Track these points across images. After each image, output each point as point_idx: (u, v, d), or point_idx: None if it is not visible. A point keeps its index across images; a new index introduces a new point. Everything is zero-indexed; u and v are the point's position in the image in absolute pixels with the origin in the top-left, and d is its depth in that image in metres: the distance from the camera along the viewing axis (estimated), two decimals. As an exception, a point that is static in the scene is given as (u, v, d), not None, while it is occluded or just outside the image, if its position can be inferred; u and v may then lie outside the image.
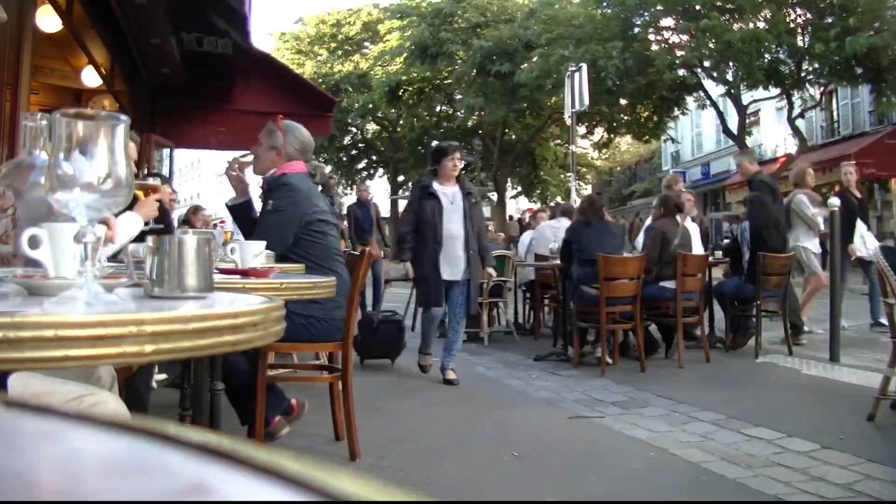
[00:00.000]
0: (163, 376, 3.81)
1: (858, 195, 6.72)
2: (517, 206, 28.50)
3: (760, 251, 5.29)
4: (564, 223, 6.50)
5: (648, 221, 6.11)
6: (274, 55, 12.94)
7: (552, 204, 10.57)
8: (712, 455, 2.91)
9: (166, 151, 8.52)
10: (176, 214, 6.37)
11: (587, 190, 30.11)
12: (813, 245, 6.19)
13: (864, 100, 17.90)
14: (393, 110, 23.49)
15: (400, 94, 21.85)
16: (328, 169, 28.80)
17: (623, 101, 17.75)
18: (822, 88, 16.45)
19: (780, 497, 2.44)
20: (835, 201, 5.50)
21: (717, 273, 6.55)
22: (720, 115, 17.71)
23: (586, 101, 10.95)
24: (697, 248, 5.49)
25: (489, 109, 19.50)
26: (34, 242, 1.00)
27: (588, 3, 17.10)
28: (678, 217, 5.41)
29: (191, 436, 0.28)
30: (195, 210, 7.44)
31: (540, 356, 5.27)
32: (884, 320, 5.28)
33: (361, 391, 3.15)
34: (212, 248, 1.14)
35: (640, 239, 6.02)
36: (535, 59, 16.90)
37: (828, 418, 3.53)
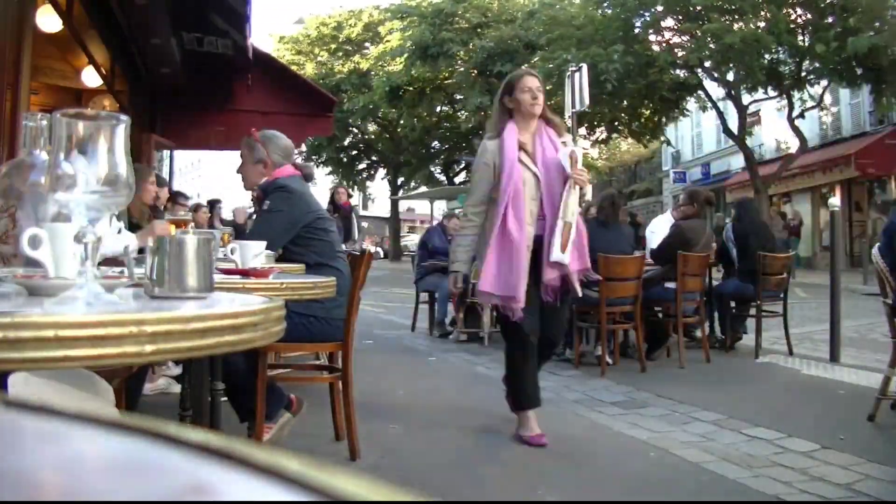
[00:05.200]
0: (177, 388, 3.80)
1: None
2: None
3: (746, 252, 5.31)
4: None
5: (665, 218, 6.04)
6: (274, 56, 12.93)
7: None
8: (712, 455, 2.91)
9: (166, 151, 8.52)
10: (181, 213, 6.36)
11: (587, 191, 30.07)
12: None
13: (864, 100, 17.90)
14: (393, 111, 23.48)
15: (401, 94, 21.86)
16: (329, 170, 28.80)
17: (624, 103, 17.74)
18: (822, 89, 16.45)
19: (780, 497, 2.44)
20: (834, 201, 5.51)
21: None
22: (720, 115, 17.71)
23: (586, 100, 10.95)
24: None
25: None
26: (34, 242, 1.00)
27: (588, 3, 17.10)
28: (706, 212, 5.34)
29: (191, 436, 0.28)
30: (196, 208, 7.45)
31: (540, 356, 5.26)
32: None
33: (362, 391, 3.15)
34: (212, 248, 1.14)
35: (652, 231, 5.93)
36: (535, 61, 16.90)
37: (828, 418, 3.53)
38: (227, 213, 9.46)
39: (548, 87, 16.85)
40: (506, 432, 3.31)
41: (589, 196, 28.26)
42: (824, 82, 16.05)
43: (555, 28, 16.65)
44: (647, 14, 16.35)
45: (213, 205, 8.31)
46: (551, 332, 3.22)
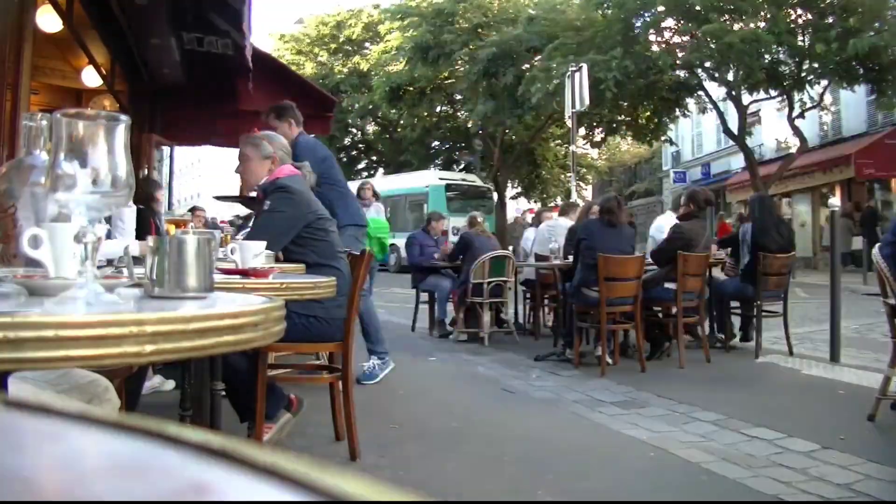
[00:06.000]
0: (171, 384, 3.83)
1: None
2: (517, 206, 28.49)
3: (762, 252, 5.27)
4: (562, 222, 6.49)
5: (665, 220, 6.03)
6: (274, 56, 12.92)
7: (561, 202, 10.45)
8: (712, 455, 2.91)
9: (166, 151, 8.52)
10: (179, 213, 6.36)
11: (587, 190, 30.05)
12: None
13: (864, 100, 17.90)
14: (393, 111, 23.48)
15: (401, 94, 21.85)
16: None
17: (623, 104, 17.73)
18: (822, 89, 16.45)
19: (780, 497, 2.44)
20: (834, 201, 5.52)
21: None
22: (720, 115, 17.70)
23: (587, 100, 10.95)
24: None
25: (502, 116, 19.48)
26: (34, 242, 1.00)
27: (589, 4, 17.09)
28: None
29: (191, 436, 0.28)
30: (193, 209, 7.45)
31: (540, 356, 5.27)
32: None
33: (362, 391, 3.15)
34: (212, 248, 1.14)
35: (659, 229, 5.91)
36: (536, 63, 16.91)
37: (828, 418, 3.53)
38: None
39: (549, 90, 16.83)
40: (505, 432, 3.31)
41: (589, 196, 28.15)
42: (824, 82, 16.05)
43: (555, 32, 16.63)
44: (647, 14, 16.35)
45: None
46: None
